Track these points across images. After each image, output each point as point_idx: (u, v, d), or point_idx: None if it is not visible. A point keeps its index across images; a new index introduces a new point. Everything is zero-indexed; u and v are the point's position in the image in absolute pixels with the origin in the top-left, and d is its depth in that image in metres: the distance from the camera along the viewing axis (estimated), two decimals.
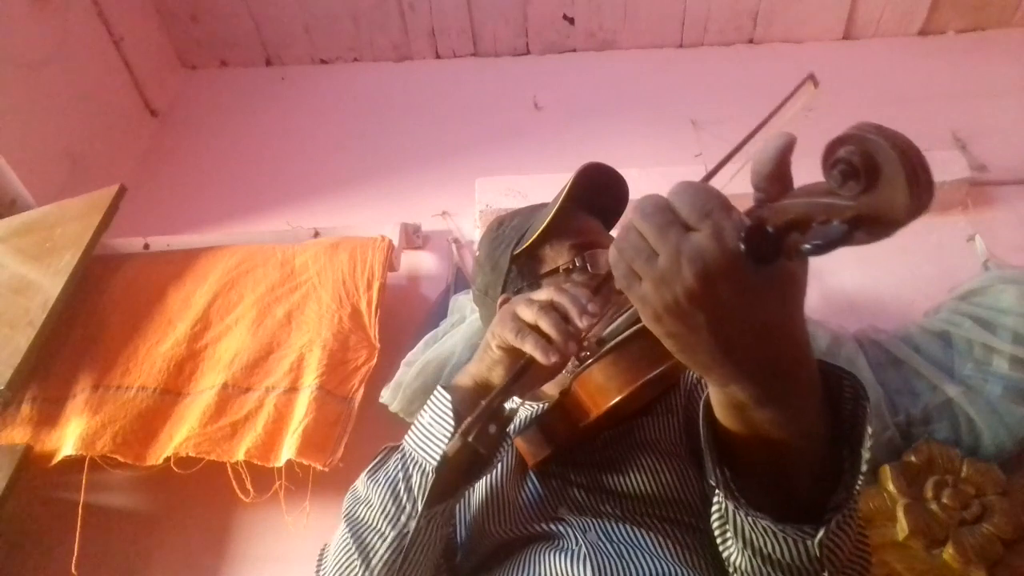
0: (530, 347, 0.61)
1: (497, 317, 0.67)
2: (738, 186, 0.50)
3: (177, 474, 1.15)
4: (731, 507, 0.53)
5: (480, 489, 0.79)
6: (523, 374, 0.62)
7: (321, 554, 0.74)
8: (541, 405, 0.84)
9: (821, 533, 0.49)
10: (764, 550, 0.53)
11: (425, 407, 0.69)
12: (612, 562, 0.66)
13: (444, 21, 1.99)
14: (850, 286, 1.41)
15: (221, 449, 1.14)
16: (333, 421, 1.17)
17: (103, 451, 1.16)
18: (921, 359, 1.18)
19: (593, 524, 0.71)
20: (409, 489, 0.65)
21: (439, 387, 0.68)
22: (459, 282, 1.44)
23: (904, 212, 0.35)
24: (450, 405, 0.66)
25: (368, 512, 0.68)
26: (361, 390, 1.21)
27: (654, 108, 1.84)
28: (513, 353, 0.64)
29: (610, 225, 0.98)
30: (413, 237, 1.55)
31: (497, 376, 0.66)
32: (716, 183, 0.47)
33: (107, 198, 1.42)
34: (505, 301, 0.91)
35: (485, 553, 0.75)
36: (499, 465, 0.78)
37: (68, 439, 1.18)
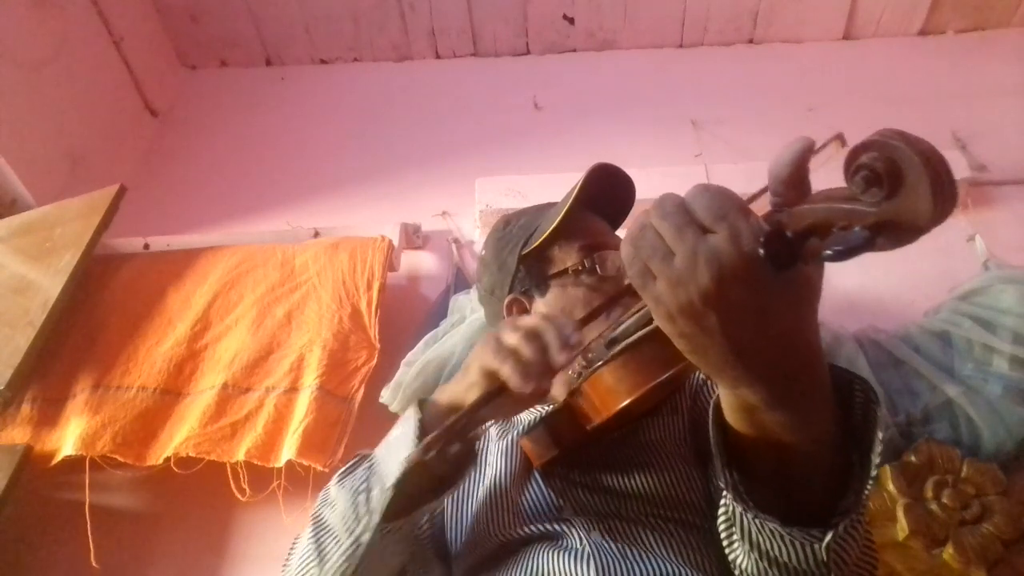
0: (506, 373, 0.59)
1: (481, 340, 0.66)
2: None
3: (177, 474, 1.15)
4: (739, 509, 0.52)
5: (483, 491, 0.79)
6: (495, 398, 0.61)
7: (291, 548, 0.74)
8: (548, 406, 0.83)
9: (829, 537, 0.49)
10: (771, 553, 0.52)
11: (399, 420, 0.68)
12: (615, 562, 0.66)
13: (444, 21, 1.99)
14: (850, 286, 1.41)
15: (221, 449, 1.15)
16: (333, 421, 1.17)
17: (103, 451, 1.16)
18: (921, 359, 1.18)
19: (597, 524, 0.71)
20: (368, 501, 0.65)
21: (416, 402, 0.68)
22: (459, 282, 1.44)
23: (927, 219, 0.35)
24: (416, 422, 0.65)
25: (332, 515, 0.68)
26: (361, 390, 1.21)
27: (654, 108, 1.84)
28: (491, 377, 0.62)
29: (616, 227, 0.98)
30: (413, 237, 1.55)
31: (472, 398, 0.64)
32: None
33: (107, 198, 1.42)
34: (512, 302, 0.91)
35: (486, 554, 0.75)
36: (503, 466, 0.78)
37: (68, 439, 1.18)
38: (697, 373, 0.85)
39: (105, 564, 1.16)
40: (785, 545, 0.51)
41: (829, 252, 0.38)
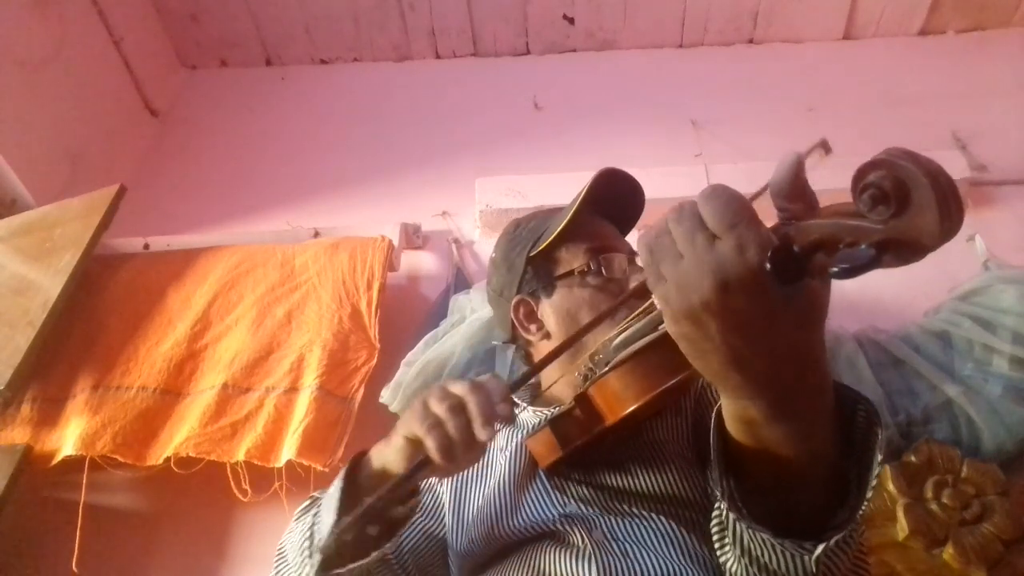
0: (429, 446, 0.58)
1: (412, 403, 0.64)
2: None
3: (177, 474, 1.15)
4: (732, 516, 0.53)
5: (488, 491, 0.79)
6: (421, 470, 0.60)
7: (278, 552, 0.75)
8: (554, 409, 0.83)
9: (819, 550, 0.49)
10: (761, 560, 0.53)
11: (335, 479, 0.67)
12: (617, 560, 0.66)
13: (444, 21, 1.99)
14: (850, 286, 1.39)
15: (221, 449, 1.15)
16: (333, 421, 1.17)
17: (103, 451, 1.16)
18: (921, 359, 1.18)
19: (598, 522, 0.71)
20: (311, 547, 0.65)
21: (348, 463, 0.67)
22: (459, 282, 1.44)
23: (933, 238, 0.36)
24: (339, 492, 0.64)
25: (290, 547, 0.70)
26: (361, 390, 1.21)
27: (654, 108, 1.84)
28: (416, 445, 0.60)
29: (624, 231, 0.99)
30: (413, 237, 1.55)
31: (396, 465, 0.63)
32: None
33: (107, 198, 1.42)
34: (520, 302, 0.91)
35: (489, 553, 0.75)
36: (508, 467, 0.79)
37: (68, 439, 1.18)
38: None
39: (105, 564, 1.16)
40: (776, 555, 0.51)
41: (836, 269, 0.39)
